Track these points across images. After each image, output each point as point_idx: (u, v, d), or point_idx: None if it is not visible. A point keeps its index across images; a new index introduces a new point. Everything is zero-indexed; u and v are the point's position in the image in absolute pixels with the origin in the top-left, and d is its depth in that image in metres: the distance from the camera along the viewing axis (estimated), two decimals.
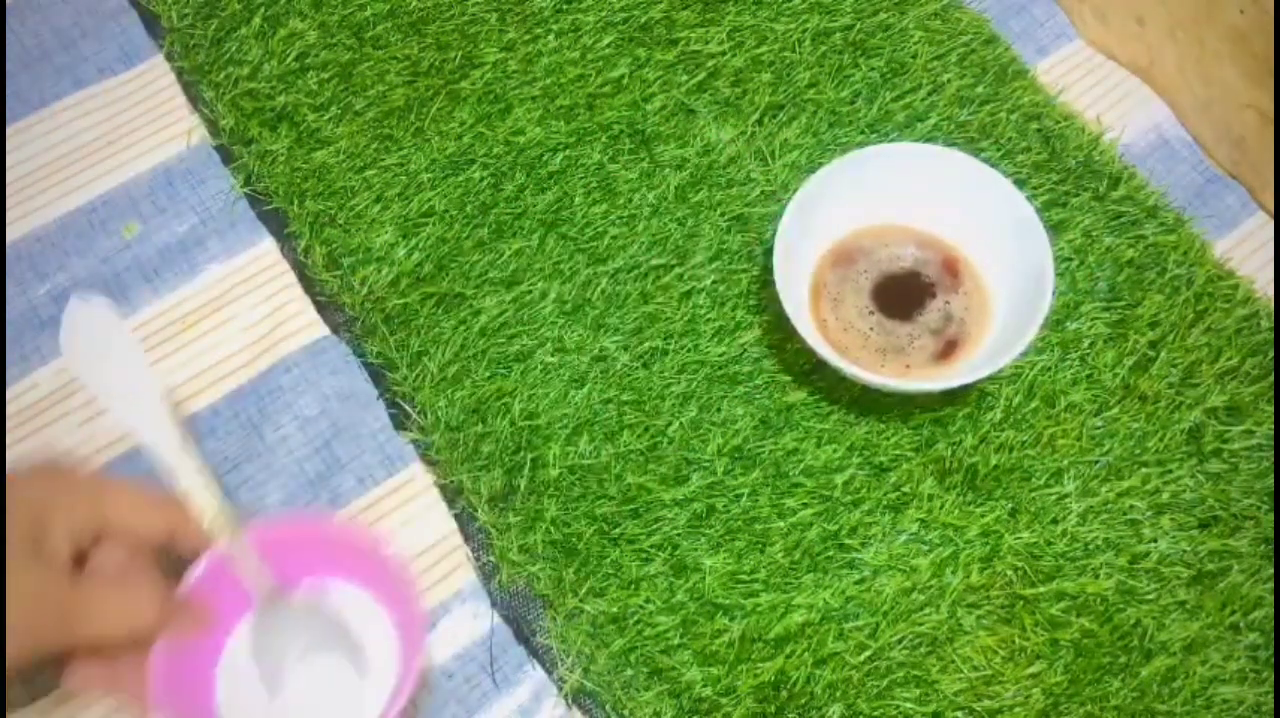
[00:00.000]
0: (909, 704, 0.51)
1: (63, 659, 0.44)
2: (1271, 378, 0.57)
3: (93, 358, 0.45)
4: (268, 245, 0.62)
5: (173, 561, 0.46)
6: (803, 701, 0.51)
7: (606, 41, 0.66)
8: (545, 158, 0.63)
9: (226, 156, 0.64)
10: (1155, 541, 0.54)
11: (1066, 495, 0.55)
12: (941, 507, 0.54)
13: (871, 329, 0.57)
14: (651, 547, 0.54)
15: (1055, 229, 0.61)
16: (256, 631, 0.48)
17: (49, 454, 0.45)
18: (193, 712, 0.46)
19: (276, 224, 0.62)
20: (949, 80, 0.65)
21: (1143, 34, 0.65)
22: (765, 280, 0.54)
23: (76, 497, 0.43)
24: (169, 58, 0.67)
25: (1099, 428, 0.56)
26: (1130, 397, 0.57)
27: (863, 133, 0.64)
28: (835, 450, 0.56)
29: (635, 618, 0.52)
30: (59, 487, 0.43)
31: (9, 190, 0.63)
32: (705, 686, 0.51)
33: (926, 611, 0.52)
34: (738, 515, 0.54)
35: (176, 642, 0.45)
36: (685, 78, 0.65)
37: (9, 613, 0.40)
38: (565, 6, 0.67)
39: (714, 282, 0.60)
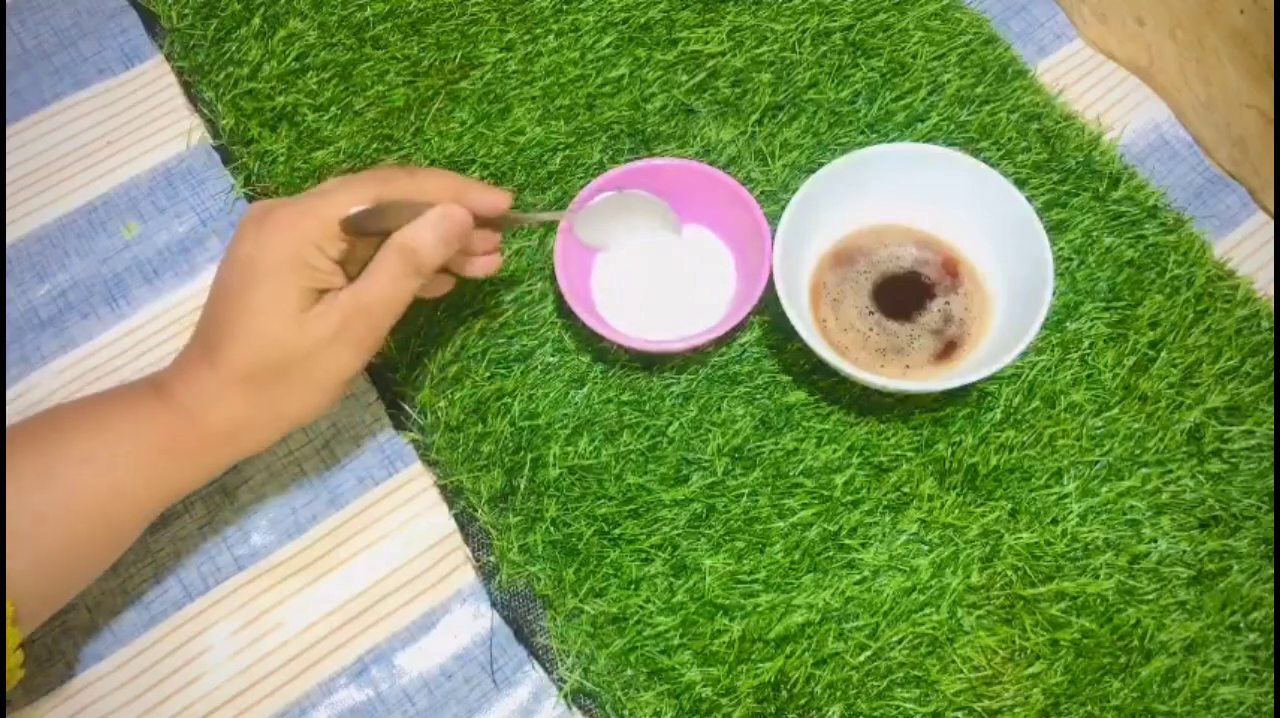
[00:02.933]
0: (909, 705, 0.51)
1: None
2: (1271, 378, 0.57)
3: None
4: None
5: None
6: (803, 701, 0.51)
7: (606, 41, 0.66)
8: (545, 158, 0.63)
9: (226, 157, 0.64)
10: (1155, 541, 0.54)
11: (1066, 496, 0.55)
12: (941, 507, 0.54)
13: (871, 329, 0.57)
14: (651, 547, 0.54)
15: (1055, 229, 0.61)
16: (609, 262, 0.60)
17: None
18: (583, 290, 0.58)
19: None
20: (949, 80, 0.65)
21: (1143, 34, 0.65)
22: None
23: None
24: (169, 58, 0.67)
25: (1099, 428, 0.56)
26: (1130, 397, 0.57)
27: (863, 133, 0.64)
28: (835, 450, 0.56)
29: (635, 618, 0.52)
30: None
31: (9, 190, 0.63)
32: (705, 686, 0.51)
33: (926, 611, 0.52)
34: (738, 515, 0.54)
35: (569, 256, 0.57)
36: (685, 78, 0.65)
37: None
38: (565, 6, 0.67)
39: None
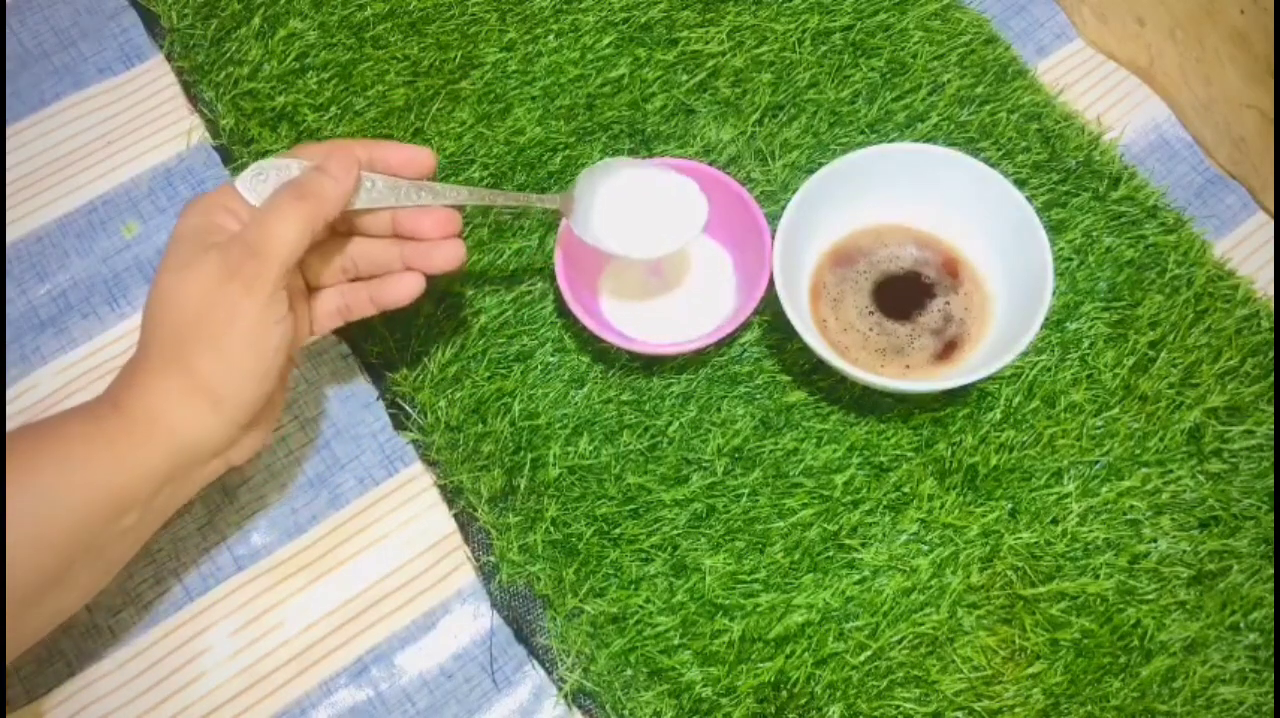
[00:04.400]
0: (909, 705, 0.51)
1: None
2: (1271, 378, 0.57)
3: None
4: None
5: None
6: (803, 701, 0.51)
7: (606, 41, 0.66)
8: (545, 158, 0.63)
9: (226, 157, 0.64)
10: (1155, 541, 0.54)
11: (1066, 496, 0.55)
12: (941, 507, 0.54)
13: (871, 329, 0.57)
14: (651, 547, 0.54)
15: (1055, 229, 0.61)
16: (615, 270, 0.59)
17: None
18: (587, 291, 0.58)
19: None
20: (949, 80, 0.65)
21: (1143, 34, 0.65)
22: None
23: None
24: (169, 58, 0.67)
25: (1099, 428, 0.56)
26: (1130, 397, 0.57)
27: (863, 133, 0.64)
28: (835, 450, 0.56)
29: (635, 618, 0.52)
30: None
31: (9, 190, 0.63)
32: (705, 686, 0.51)
33: (926, 611, 0.52)
34: (738, 515, 0.54)
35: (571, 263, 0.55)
36: (685, 78, 0.65)
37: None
38: (565, 6, 0.67)
39: None
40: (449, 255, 0.50)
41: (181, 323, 0.44)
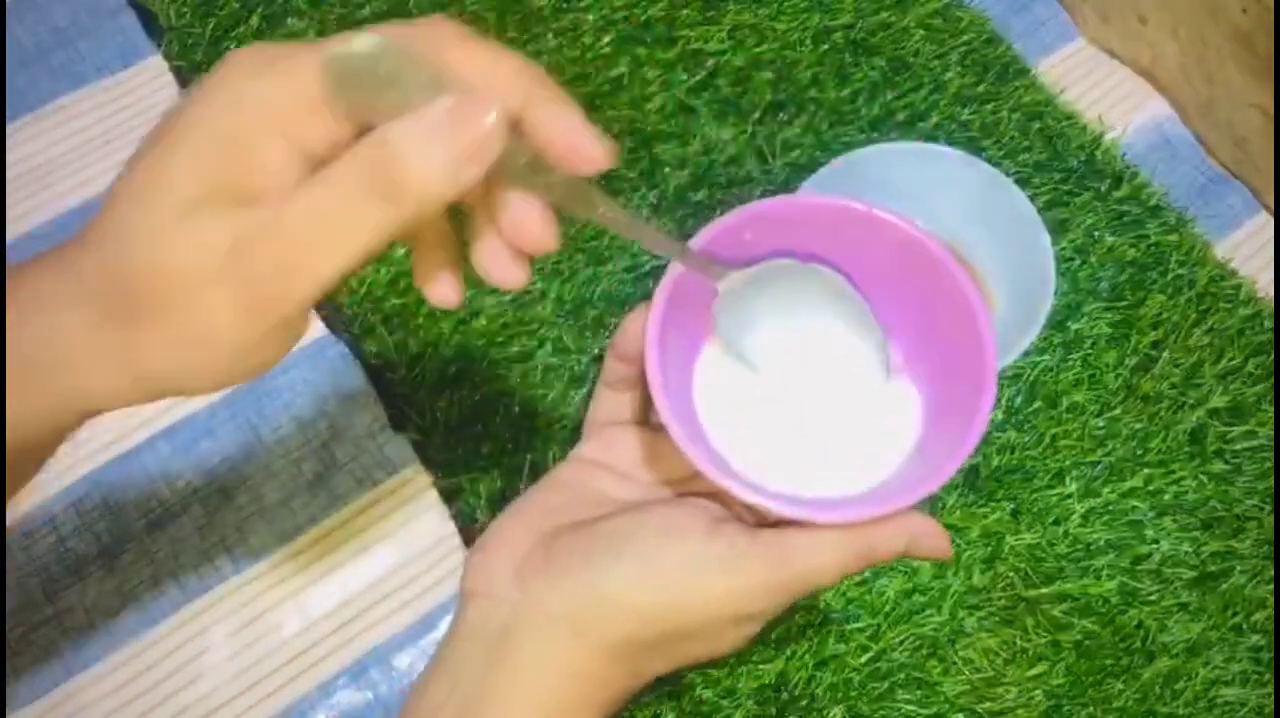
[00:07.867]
0: (910, 707, 0.50)
1: None
2: (1273, 378, 0.57)
3: None
4: None
5: None
6: (803, 702, 0.50)
7: (606, 41, 0.66)
8: None
9: None
10: (1157, 542, 0.54)
11: (1068, 496, 0.55)
12: (943, 507, 0.54)
13: None
14: None
15: (1057, 229, 0.61)
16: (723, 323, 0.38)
17: None
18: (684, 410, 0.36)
19: None
20: (950, 79, 0.65)
21: (1145, 33, 0.65)
22: None
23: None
24: (167, 57, 0.67)
25: (1101, 428, 0.56)
26: (1132, 397, 0.57)
27: (864, 132, 0.64)
28: None
29: None
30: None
31: (9, 190, 0.63)
32: (705, 687, 0.51)
33: (928, 612, 0.52)
34: None
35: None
36: (685, 77, 0.65)
37: None
38: (565, 6, 0.67)
39: None
40: (514, 273, 0.35)
41: (124, 267, 0.30)
